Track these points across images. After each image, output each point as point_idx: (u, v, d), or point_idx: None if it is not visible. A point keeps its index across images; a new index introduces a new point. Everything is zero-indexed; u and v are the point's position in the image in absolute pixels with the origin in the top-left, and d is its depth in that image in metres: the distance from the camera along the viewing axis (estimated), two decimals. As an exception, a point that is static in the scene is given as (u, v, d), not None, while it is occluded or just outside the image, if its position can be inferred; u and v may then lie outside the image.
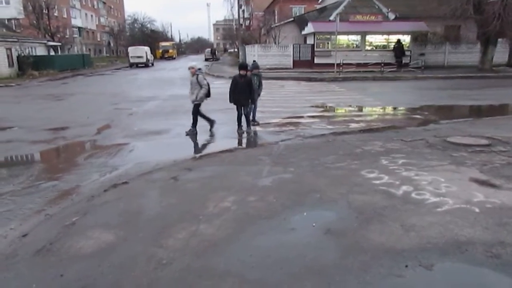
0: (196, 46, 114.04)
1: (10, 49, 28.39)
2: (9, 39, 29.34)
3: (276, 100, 14.35)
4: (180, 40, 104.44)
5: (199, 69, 9.30)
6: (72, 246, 4.00)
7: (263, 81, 10.65)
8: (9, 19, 41.47)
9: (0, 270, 3.64)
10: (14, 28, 40.72)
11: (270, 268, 3.50)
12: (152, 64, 43.80)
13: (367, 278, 3.30)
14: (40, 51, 34.38)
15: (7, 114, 12.72)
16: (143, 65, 41.65)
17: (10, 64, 28.07)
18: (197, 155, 7.28)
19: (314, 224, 4.28)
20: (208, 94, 9.32)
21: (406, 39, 27.69)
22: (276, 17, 42.57)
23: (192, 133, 9.15)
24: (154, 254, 3.79)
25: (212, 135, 9.23)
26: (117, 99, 15.93)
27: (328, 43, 27.90)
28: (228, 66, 36.13)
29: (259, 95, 10.22)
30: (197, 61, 51.01)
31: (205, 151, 7.88)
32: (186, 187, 5.56)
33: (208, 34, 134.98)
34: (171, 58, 60.49)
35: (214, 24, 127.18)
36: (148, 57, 43.26)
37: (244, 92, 9.07)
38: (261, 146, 8.03)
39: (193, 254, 3.78)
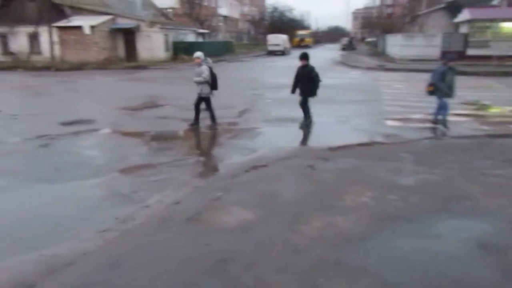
0: (332, 35, 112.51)
1: (167, 36, 31.87)
2: (167, 26, 32.98)
3: (419, 94, 13.33)
4: (316, 29, 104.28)
5: (206, 58, 8.94)
6: (217, 219, 4.32)
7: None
8: (167, 9, 46.46)
9: (158, 230, 4.14)
10: (170, 17, 45.53)
11: (412, 274, 3.28)
12: (289, 52, 44.62)
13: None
14: (191, 37, 37.82)
15: (163, 93, 14.32)
16: (280, 53, 42.61)
17: (166, 49, 31.53)
18: (333, 146, 7.18)
19: (464, 235, 3.86)
20: (214, 87, 8.89)
21: None
22: (423, 3, 39.38)
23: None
24: (290, 239, 3.86)
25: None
26: (256, 85, 16.64)
27: (486, 32, 24.71)
28: (365, 56, 34.81)
29: (451, 91, 8.35)
30: (333, 50, 50.50)
31: (340, 143, 7.73)
32: (322, 176, 5.54)
33: (346, 23, 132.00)
34: (307, 46, 60.75)
35: (353, 12, 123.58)
36: (286, 45, 44.09)
37: (306, 83, 8.74)
38: (402, 143, 7.54)
39: (329, 245, 3.74)
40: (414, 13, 35.59)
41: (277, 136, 8.35)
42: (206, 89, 8.75)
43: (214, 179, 5.71)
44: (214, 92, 8.96)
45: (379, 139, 7.87)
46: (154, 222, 4.34)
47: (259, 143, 7.68)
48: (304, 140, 8.23)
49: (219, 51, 38.22)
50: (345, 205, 4.59)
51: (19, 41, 29.36)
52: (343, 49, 52.26)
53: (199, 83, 8.68)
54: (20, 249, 3.82)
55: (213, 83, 8.83)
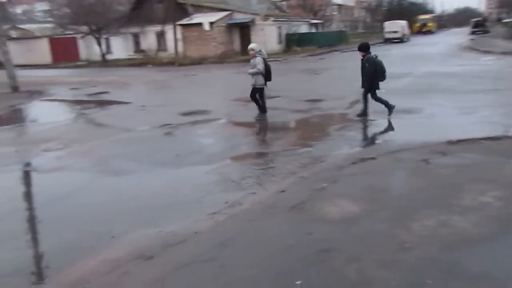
0: (460, 18, 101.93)
1: (280, 28, 32.39)
2: (280, 19, 33.50)
3: None
4: (441, 12, 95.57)
5: (260, 51, 8.90)
6: (321, 209, 4.30)
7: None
8: (281, 1, 47.11)
9: (263, 216, 4.29)
10: (284, 9, 46.09)
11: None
12: (408, 39, 41.78)
13: None
14: (304, 29, 37.83)
15: (274, 85, 14.59)
16: (398, 40, 40.12)
17: (279, 41, 32.08)
18: (453, 139, 6.56)
19: None
20: (268, 78, 8.84)
21: None
22: None
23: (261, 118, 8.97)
24: (397, 235, 3.67)
25: None
26: (369, 74, 15.98)
27: None
28: (501, 39, 30.79)
29: None
30: (460, 34, 45.78)
31: (462, 136, 7.02)
32: (438, 172, 5.12)
33: (478, 3, 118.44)
34: (429, 32, 56.15)
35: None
36: (404, 32, 41.38)
37: (364, 75, 8.16)
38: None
39: (441, 245, 3.46)
40: None
41: (389, 127, 7.93)
42: (260, 80, 8.81)
43: (320, 169, 5.68)
44: (268, 83, 9.06)
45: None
46: (259, 208, 4.50)
47: (368, 135, 7.41)
48: (419, 133, 7.66)
49: (332, 41, 37.55)
50: (463, 204, 4.18)
51: (148, 40, 32.70)
52: (473, 32, 46.69)
53: (253, 74, 8.76)
54: (143, 225, 4.29)
55: (267, 74, 8.87)
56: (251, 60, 8.96)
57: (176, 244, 3.82)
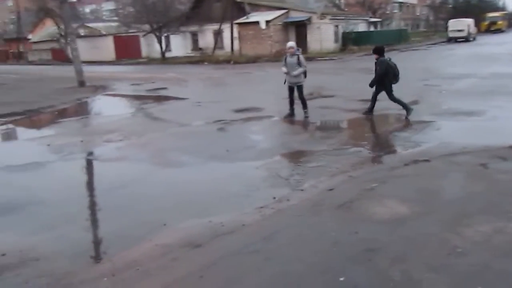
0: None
1: (337, 26, 31.89)
2: (337, 17, 32.96)
3: None
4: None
5: (298, 49, 9.00)
6: (368, 209, 4.26)
7: None
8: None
9: (310, 213, 4.32)
10: (342, 7, 45.26)
11: None
12: (474, 39, 39.49)
13: None
14: (362, 27, 36.94)
15: (328, 84, 14.49)
16: (463, 39, 38.03)
17: (335, 40, 31.61)
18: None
19: None
20: (304, 75, 8.94)
21: None
22: None
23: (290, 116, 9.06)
24: (449, 240, 3.56)
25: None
26: (428, 75, 15.36)
27: None
28: None
29: None
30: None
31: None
32: (497, 177, 4.88)
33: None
34: (498, 31, 52.64)
35: None
36: (470, 30, 39.15)
37: (375, 76, 8.42)
38: None
39: (496, 253, 3.32)
40: None
41: (446, 130, 7.61)
42: (302, 77, 8.94)
43: (371, 169, 5.59)
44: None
45: None
46: (307, 205, 4.53)
47: (423, 136, 7.15)
48: (479, 136, 7.29)
49: (391, 40, 36.27)
50: (523, 211, 3.96)
51: (206, 38, 33.57)
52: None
53: (299, 73, 8.83)
54: (194, 214, 4.48)
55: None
56: (289, 58, 8.93)
57: (224, 234, 3.96)
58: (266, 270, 3.32)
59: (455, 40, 38.32)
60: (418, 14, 67.10)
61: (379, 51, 8.63)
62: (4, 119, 10.92)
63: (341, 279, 3.11)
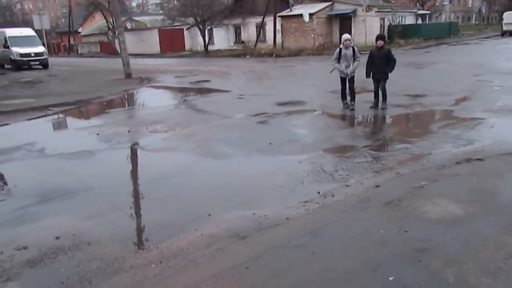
0: None
1: (383, 19, 30.96)
2: (383, 9, 31.98)
3: None
4: None
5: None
6: (418, 207, 4.10)
7: None
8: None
9: (356, 209, 4.22)
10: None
11: None
12: (531, 32, 37.12)
13: None
14: (409, 20, 35.66)
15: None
16: (518, 33, 35.89)
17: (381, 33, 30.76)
18: None
19: None
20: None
21: None
22: None
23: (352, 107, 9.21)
24: (506, 244, 3.37)
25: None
26: (481, 70, 14.60)
27: None
28: None
29: None
30: None
31: None
32: (560, 179, 4.55)
33: None
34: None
35: None
36: (528, 23, 36.80)
37: (381, 66, 8.69)
38: None
39: (560, 260, 3.10)
40: None
41: (502, 128, 7.21)
42: (355, 67, 9.14)
43: (420, 167, 5.38)
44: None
45: None
46: (352, 201, 4.43)
47: (476, 134, 6.80)
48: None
49: (440, 33, 34.90)
50: None
51: (248, 31, 33.65)
52: None
53: (355, 68, 9.02)
54: (239, 206, 4.49)
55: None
56: (346, 51, 9.02)
57: (269, 227, 3.94)
58: (312, 265, 3.27)
59: (510, 33, 36.19)
60: (470, 6, 63.95)
61: (384, 38, 9.31)
62: (56, 108, 11.45)
63: (390, 278, 3.02)
